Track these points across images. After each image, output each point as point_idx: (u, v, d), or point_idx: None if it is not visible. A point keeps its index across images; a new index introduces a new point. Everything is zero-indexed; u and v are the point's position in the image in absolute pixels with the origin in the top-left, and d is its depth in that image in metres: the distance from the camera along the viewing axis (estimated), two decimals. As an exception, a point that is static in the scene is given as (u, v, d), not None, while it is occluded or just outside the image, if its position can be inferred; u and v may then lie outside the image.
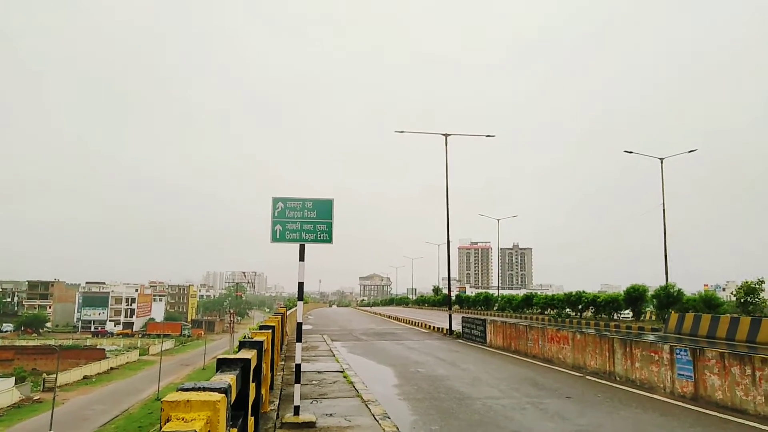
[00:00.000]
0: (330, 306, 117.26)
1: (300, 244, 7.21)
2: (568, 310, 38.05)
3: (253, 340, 6.33)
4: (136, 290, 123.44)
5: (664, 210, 30.34)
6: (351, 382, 10.60)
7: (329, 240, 7.24)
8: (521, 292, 54.58)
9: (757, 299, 24.29)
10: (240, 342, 6.06)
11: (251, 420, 5.70)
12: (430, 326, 29.98)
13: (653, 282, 31.71)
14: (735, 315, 21.64)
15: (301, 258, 7.22)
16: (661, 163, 31.05)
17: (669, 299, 27.79)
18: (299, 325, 7.32)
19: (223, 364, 4.47)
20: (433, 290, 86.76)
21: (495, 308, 51.04)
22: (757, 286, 24.18)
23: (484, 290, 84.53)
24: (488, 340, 19.63)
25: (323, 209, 7.26)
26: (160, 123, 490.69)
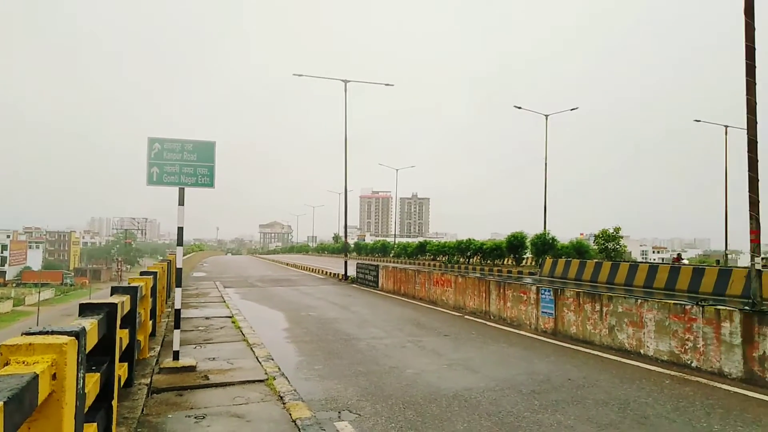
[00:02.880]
0: (226, 254, 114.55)
1: (179, 188, 6.96)
2: (458, 256, 40.28)
3: (128, 285, 6.13)
4: (8, 236, 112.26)
5: (546, 164, 32.57)
6: (239, 327, 10.62)
7: (211, 184, 7.05)
8: (418, 240, 56.74)
9: (618, 246, 27.32)
10: (112, 288, 5.84)
11: (124, 366, 5.60)
12: (326, 272, 30.49)
13: (539, 230, 34.26)
14: (599, 260, 24.13)
15: (181, 202, 6.98)
16: (546, 119, 33.06)
17: (545, 246, 30.35)
18: (179, 270, 7.16)
19: (86, 309, 4.32)
20: (333, 238, 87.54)
21: (391, 255, 52.74)
22: (615, 233, 27.14)
23: (382, 238, 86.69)
24: (380, 285, 20.39)
25: (204, 152, 7.02)
26: (41, 59, 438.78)
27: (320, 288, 21.71)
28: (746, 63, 6.69)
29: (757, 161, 6.86)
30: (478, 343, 9.77)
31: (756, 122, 6.81)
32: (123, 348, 5.36)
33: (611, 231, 27.61)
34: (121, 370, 5.25)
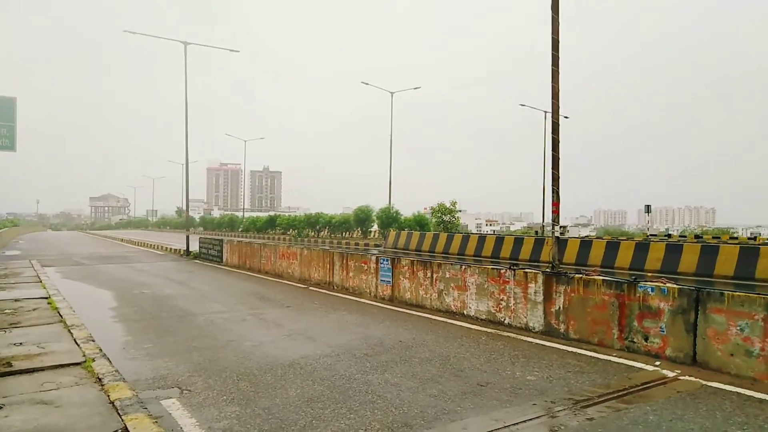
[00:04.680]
0: (47, 230, 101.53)
1: (-31, 150, 5.98)
2: (308, 230, 40.39)
3: None
4: None
5: (391, 140, 33.84)
6: (56, 309, 9.55)
7: (11, 147, 6.18)
8: (268, 214, 55.66)
9: (453, 219, 29.60)
10: None
11: None
12: (167, 248, 28.69)
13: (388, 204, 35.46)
14: (437, 232, 25.89)
15: (-28, 167, 6.02)
16: (392, 96, 34.25)
17: (390, 219, 31.78)
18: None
19: None
20: (176, 212, 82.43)
21: (240, 229, 51.17)
22: (452, 207, 29.42)
23: (231, 212, 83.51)
24: (225, 260, 19.73)
25: (2, 109, 6.10)
26: None
27: (158, 265, 20.36)
28: (552, 54, 7.59)
29: (559, 142, 7.88)
30: (319, 313, 9.97)
31: (559, 107, 7.80)
32: None
33: (449, 205, 29.83)
34: None
